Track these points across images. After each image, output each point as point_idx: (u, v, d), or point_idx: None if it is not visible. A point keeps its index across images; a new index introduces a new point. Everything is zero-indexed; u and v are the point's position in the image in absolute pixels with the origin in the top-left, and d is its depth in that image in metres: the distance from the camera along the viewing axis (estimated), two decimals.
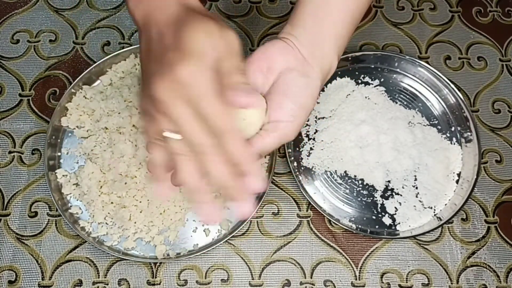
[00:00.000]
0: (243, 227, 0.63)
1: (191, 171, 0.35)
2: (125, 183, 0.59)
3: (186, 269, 0.61)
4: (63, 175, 0.63)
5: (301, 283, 0.61)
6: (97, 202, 0.61)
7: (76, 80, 0.66)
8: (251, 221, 0.64)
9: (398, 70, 0.71)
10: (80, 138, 0.65)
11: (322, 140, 0.66)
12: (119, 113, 0.61)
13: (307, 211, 0.64)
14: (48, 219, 0.63)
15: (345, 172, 0.66)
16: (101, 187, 0.61)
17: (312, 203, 0.63)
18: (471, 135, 0.67)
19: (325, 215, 0.62)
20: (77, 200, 0.62)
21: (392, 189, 0.65)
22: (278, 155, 0.65)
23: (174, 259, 0.60)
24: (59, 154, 0.64)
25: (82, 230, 0.61)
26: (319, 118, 0.68)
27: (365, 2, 0.50)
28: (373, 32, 0.74)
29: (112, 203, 0.61)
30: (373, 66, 0.71)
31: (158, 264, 0.61)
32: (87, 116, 0.65)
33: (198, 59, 0.34)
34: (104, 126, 0.61)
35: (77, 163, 0.64)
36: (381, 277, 0.62)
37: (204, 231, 0.62)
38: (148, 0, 0.38)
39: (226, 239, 0.60)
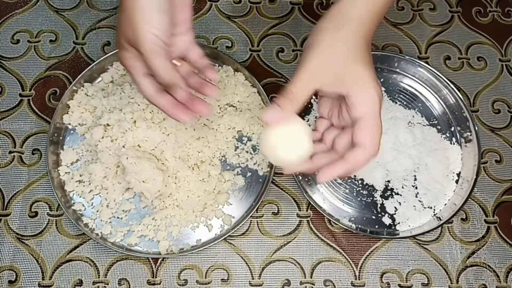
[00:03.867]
0: (243, 226, 0.63)
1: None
2: (129, 182, 0.59)
3: (186, 268, 0.61)
4: (66, 172, 0.63)
5: (301, 283, 0.61)
6: (103, 198, 0.62)
7: (77, 78, 0.66)
8: (251, 220, 0.64)
9: (398, 70, 0.71)
10: (82, 135, 0.65)
11: None
12: (120, 109, 0.61)
13: (307, 211, 0.65)
14: (48, 219, 0.63)
15: None
16: (106, 181, 0.62)
17: (312, 203, 0.63)
18: (470, 135, 0.67)
19: (325, 215, 0.62)
20: (80, 197, 0.62)
21: (392, 189, 0.65)
22: None
23: (177, 254, 0.60)
24: (61, 151, 0.64)
25: (86, 226, 0.61)
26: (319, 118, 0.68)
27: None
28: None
29: (115, 200, 0.62)
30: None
31: (158, 263, 0.61)
32: (89, 113, 0.66)
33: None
34: (106, 123, 0.61)
35: (80, 160, 0.64)
36: (381, 277, 0.62)
37: (206, 226, 0.62)
38: None
39: (229, 234, 0.61)
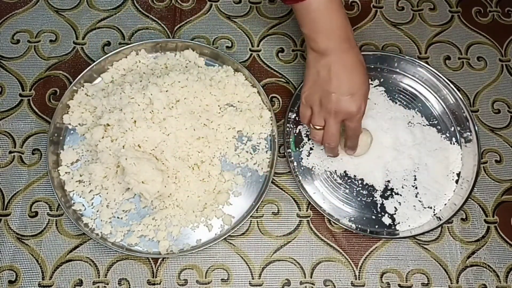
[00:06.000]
0: (243, 226, 0.63)
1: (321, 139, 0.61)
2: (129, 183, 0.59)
3: (186, 268, 0.61)
4: (66, 172, 0.63)
5: (301, 283, 0.61)
6: (103, 198, 0.62)
7: (77, 78, 0.66)
8: (251, 220, 0.64)
9: (397, 70, 0.71)
10: (82, 135, 0.65)
11: None
12: (120, 109, 0.61)
13: (307, 211, 0.65)
14: (49, 219, 0.63)
15: (344, 172, 0.66)
16: (106, 181, 0.62)
17: (312, 203, 0.63)
18: (470, 135, 0.67)
19: (325, 215, 0.62)
20: (80, 197, 0.62)
21: (391, 189, 0.65)
22: (278, 155, 0.66)
23: (177, 254, 0.60)
24: (61, 151, 0.64)
25: (86, 226, 0.61)
26: None
27: None
28: (373, 32, 0.75)
29: (115, 200, 0.62)
30: (372, 66, 0.71)
31: (158, 263, 0.61)
32: (89, 113, 0.66)
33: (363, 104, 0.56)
34: (106, 123, 0.61)
35: (80, 160, 0.64)
36: (381, 277, 0.62)
37: (206, 226, 0.62)
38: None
39: (228, 234, 0.61)
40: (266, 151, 0.66)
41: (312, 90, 0.58)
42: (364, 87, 0.56)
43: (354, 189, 0.65)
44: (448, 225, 0.65)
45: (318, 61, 0.56)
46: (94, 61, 0.68)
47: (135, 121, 0.60)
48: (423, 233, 0.62)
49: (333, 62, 0.55)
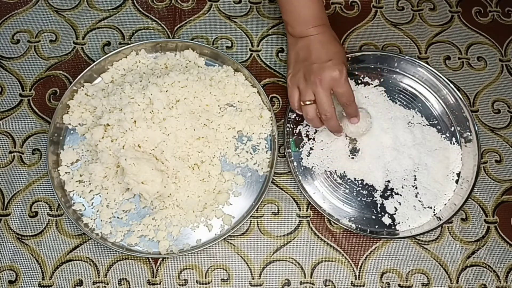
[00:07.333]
0: (243, 226, 0.63)
1: (315, 114, 0.62)
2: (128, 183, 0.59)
3: (186, 268, 0.61)
4: (66, 172, 0.63)
5: (301, 283, 0.61)
6: (103, 198, 0.62)
7: (77, 78, 0.66)
8: (251, 220, 0.64)
9: (397, 70, 0.71)
10: (82, 135, 0.65)
11: (322, 140, 0.66)
12: (120, 109, 0.61)
13: (307, 211, 0.65)
14: (49, 219, 0.63)
15: (344, 172, 0.66)
16: (106, 181, 0.62)
17: (312, 203, 0.63)
18: (470, 135, 0.67)
19: (325, 215, 0.62)
20: (80, 197, 0.62)
21: (391, 189, 0.65)
22: (278, 155, 0.66)
23: (177, 254, 0.60)
24: (61, 151, 0.64)
25: (86, 226, 0.61)
26: None
27: None
28: (373, 32, 0.75)
29: (115, 200, 0.62)
30: (372, 66, 0.71)
31: (158, 263, 0.61)
32: (89, 113, 0.66)
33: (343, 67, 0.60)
34: (106, 123, 0.61)
35: (80, 160, 0.64)
36: (381, 277, 0.62)
37: (206, 226, 0.62)
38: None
39: (228, 234, 0.61)
40: (266, 151, 0.66)
41: (295, 69, 0.63)
42: (341, 54, 0.62)
43: (354, 189, 0.65)
44: (448, 225, 0.65)
45: (297, 43, 0.64)
46: (94, 61, 0.68)
47: (135, 121, 0.61)
48: (423, 233, 0.62)
49: (311, 41, 0.62)
